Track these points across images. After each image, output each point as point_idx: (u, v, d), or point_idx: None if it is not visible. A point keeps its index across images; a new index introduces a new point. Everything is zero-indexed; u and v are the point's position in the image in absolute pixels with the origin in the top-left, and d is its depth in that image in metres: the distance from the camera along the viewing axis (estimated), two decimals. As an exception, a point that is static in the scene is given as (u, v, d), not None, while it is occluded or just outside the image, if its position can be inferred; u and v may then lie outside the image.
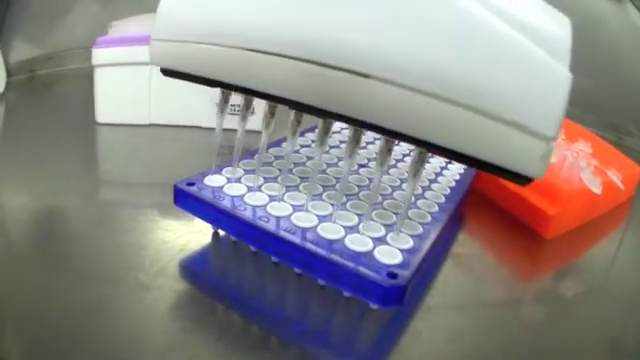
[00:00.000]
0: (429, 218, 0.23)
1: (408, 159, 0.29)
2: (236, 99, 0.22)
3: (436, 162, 0.29)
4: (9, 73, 0.42)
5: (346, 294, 0.20)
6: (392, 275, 0.18)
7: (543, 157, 0.16)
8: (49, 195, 0.27)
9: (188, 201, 0.22)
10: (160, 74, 0.21)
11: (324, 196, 0.23)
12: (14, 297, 0.20)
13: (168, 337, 0.19)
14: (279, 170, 0.25)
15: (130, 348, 0.18)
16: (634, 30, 0.46)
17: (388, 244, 0.20)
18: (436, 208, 0.24)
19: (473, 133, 0.16)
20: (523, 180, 0.17)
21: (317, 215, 0.21)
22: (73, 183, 0.29)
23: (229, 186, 0.23)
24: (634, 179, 0.34)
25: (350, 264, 0.19)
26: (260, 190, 0.23)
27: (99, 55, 0.34)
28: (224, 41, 0.19)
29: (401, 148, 0.30)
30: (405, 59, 0.16)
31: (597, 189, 0.28)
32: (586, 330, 0.23)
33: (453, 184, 0.27)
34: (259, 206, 0.21)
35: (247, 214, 0.21)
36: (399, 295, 0.18)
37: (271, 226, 0.20)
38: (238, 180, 0.23)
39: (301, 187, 0.23)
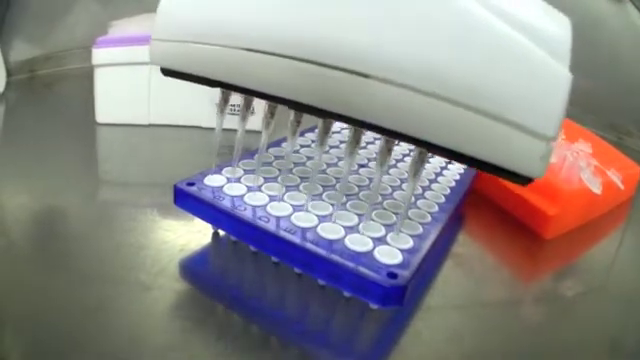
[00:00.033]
0: (429, 218, 0.23)
1: (408, 159, 0.29)
2: (236, 99, 0.22)
3: (436, 162, 0.29)
4: (9, 73, 0.42)
5: (346, 294, 0.20)
6: (392, 275, 0.18)
7: (543, 157, 0.16)
8: (49, 195, 0.27)
9: (188, 201, 0.22)
10: (160, 74, 0.21)
11: (324, 196, 0.23)
12: (14, 297, 0.20)
13: (168, 337, 0.19)
14: (279, 170, 0.25)
15: (130, 348, 0.18)
16: (634, 30, 0.46)
17: (388, 244, 0.20)
18: (436, 208, 0.24)
19: (473, 133, 0.16)
20: (523, 180, 0.17)
21: (317, 215, 0.21)
22: (73, 183, 0.29)
23: (229, 186, 0.23)
24: (634, 179, 0.34)
25: (350, 264, 0.19)
26: (260, 190, 0.23)
27: (99, 55, 0.34)
28: (224, 41, 0.19)
29: (401, 148, 0.30)
30: (405, 59, 0.16)
31: (597, 189, 0.28)
32: (586, 330, 0.23)
33: (453, 184, 0.27)
34: (259, 206, 0.21)
35: (247, 214, 0.21)
36: (399, 295, 0.18)
37: (271, 226, 0.20)
38: (238, 180, 0.23)
39: (301, 187, 0.23)
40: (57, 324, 0.19)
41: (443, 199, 0.25)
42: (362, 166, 0.27)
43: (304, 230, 0.20)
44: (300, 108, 0.19)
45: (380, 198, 0.24)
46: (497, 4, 0.16)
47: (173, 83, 0.22)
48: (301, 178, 0.24)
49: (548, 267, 0.28)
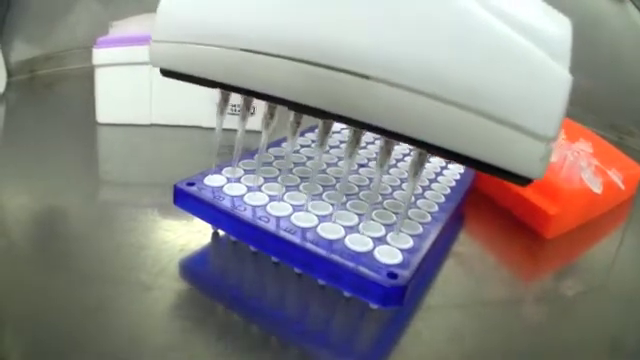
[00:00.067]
0: (429, 218, 0.23)
1: (408, 159, 0.29)
2: (236, 99, 0.22)
3: (436, 162, 0.29)
4: (10, 73, 0.42)
5: (346, 294, 0.20)
6: (392, 275, 0.18)
7: (543, 158, 0.16)
8: (49, 195, 0.27)
9: (188, 201, 0.22)
10: (160, 74, 0.21)
11: (324, 196, 0.23)
12: (14, 297, 0.20)
13: (168, 337, 0.19)
14: (279, 170, 0.25)
15: (130, 348, 0.18)
16: (635, 30, 0.46)
17: (388, 244, 0.20)
18: (436, 208, 0.24)
19: (472, 134, 0.16)
20: (523, 181, 0.17)
21: (317, 215, 0.21)
22: (73, 183, 0.29)
23: (229, 186, 0.23)
24: (635, 179, 0.34)
25: (350, 264, 0.19)
26: (260, 190, 0.23)
27: (100, 55, 0.34)
28: (224, 42, 0.19)
29: (401, 148, 0.30)
30: (405, 60, 0.16)
31: (598, 189, 0.28)
32: (586, 329, 0.23)
33: (453, 184, 0.27)
34: (259, 206, 0.21)
35: (247, 214, 0.21)
36: (399, 295, 0.18)
37: (271, 226, 0.20)
38: (238, 180, 0.23)
39: (301, 187, 0.23)
40: (57, 324, 0.19)
41: (443, 199, 0.25)
42: (362, 166, 0.27)
43: (304, 230, 0.20)
44: (300, 109, 0.19)
45: (380, 198, 0.24)
46: (497, 5, 0.16)
47: (173, 83, 0.22)
48: (301, 178, 0.24)
49: (549, 266, 0.28)
